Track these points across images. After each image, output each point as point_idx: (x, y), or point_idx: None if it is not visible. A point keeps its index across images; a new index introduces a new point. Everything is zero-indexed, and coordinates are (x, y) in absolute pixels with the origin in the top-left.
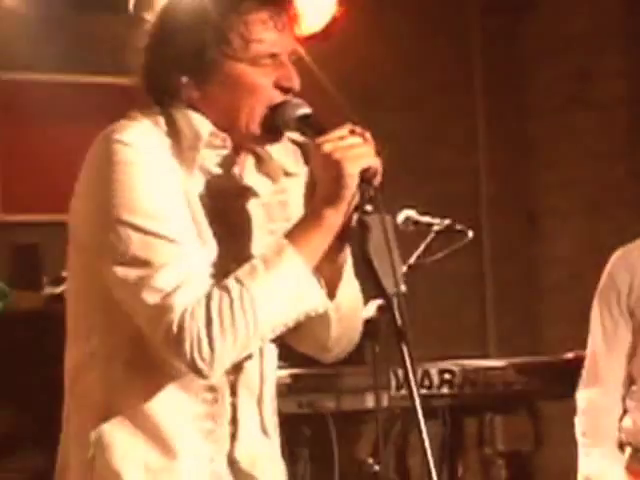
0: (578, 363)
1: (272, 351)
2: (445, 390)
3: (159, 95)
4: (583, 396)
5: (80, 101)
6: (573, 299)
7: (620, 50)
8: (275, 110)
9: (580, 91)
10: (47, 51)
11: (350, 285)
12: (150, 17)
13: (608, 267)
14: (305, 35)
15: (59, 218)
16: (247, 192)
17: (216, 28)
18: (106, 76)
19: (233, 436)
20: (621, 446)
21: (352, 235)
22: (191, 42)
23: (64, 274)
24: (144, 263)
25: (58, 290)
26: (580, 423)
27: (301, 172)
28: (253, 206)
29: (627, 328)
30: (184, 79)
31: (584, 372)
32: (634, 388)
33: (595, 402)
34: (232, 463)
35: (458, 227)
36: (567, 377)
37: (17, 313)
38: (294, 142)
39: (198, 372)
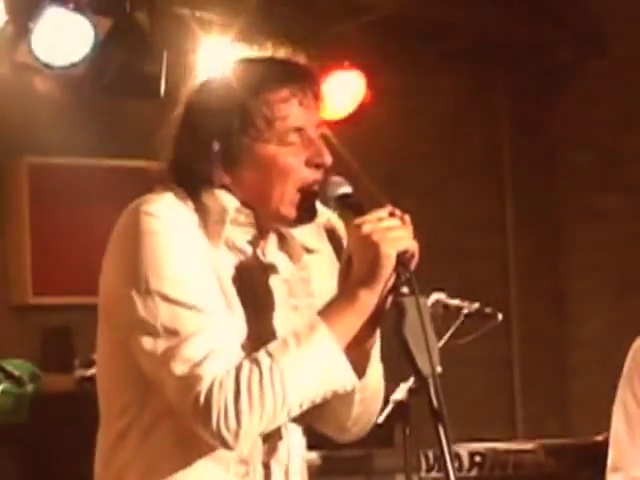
0: (607, 446)
1: (298, 427)
2: (475, 472)
3: (189, 181)
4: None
5: (110, 184)
6: (602, 381)
7: None
8: (312, 191)
9: (608, 173)
10: (78, 135)
11: (377, 367)
12: (178, 106)
13: (632, 352)
14: (334, 119)
15: (90, 301)
16: (269, 269)
17: (241, 113)
18: (138, 160)
19: None
20: None
21: (385, 317)
22: (218, 130)
23: (95, 356)
24: (172, 333)
25: (89, 372)
26: None
27: (323, 248)
28: (276, 282)
29: None
30: (214, 166)
31: (609, 460)
32: None
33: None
34: None
35: (487, 310)
36: (596, 460)
37: (49, 395)
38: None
39: (223, 443)
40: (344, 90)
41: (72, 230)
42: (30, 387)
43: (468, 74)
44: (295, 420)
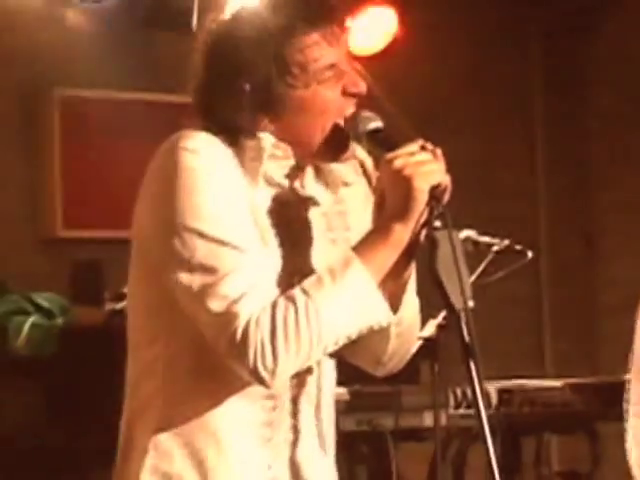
0: None
1: (329, 361)
2: (503, 409)
3: (228, 130)
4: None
5: (143, 118)
6: (631, 321)
7: None
8: (342, 124)
9: (637, 113)
10: (110, 68)
11: (412, 301)
12: (204, 49)
13: None
14: (365, 55)
15: (120, 235)
16: (308, 202)
17: (276, 62)
18: (169, 94)
19: (294, 443)
20: None
21: (419, 251)
22: (255, 80)
23: (125, 290)
24: (210, 270)
25: (119, 306)
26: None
27: (358, 181)
28: (314, 216)
29: None
30: (257, 116)
31: (631, 394)
32: None
33: None
34: (293, 471)
35: (517, 247)
36: (624, 398)
37: (78, 329)
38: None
39: (260, 380)
40: (375, 25)
41: (103, 163)
42: (60, 320)
43: (501, 11)
44: (329, 355)
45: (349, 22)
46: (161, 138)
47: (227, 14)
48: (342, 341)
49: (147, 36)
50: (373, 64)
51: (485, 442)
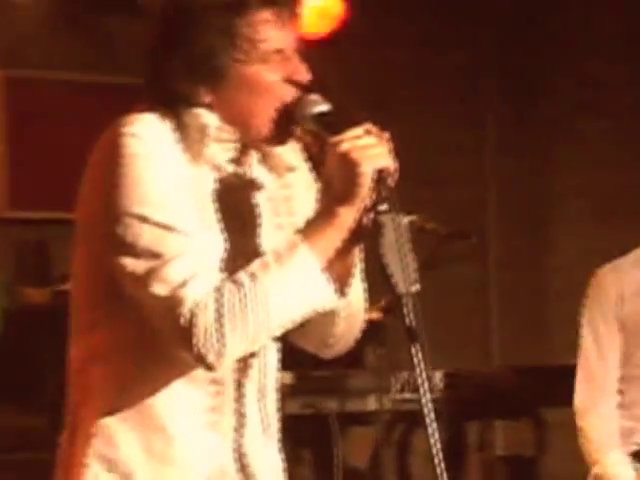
0: None
1: (273, 345)
2: (449, 394)
3: (169, 100)
4: (583, 405)
5: (90, 100)
6: (578, 306)
7: (632, 58)
8: (288, 108)
9: (590, 99)
10: (59, 50)
11: (359, 284)
12: (155, 19)
13: (595, 280)
14: (313, 37)
15: (66, 216)
16: (254, 186)
17: (223, 34)
18: (119, 76)
19: (238, 428)
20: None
21: (365, 234)
22: (200, 49)
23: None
24: (154, 255)
25: (65, 286)
26: (586, 445)
27: (301, 166)
28: (261, 200)
29: (616, 336)
30: (196, 86)
31: (579, 382)
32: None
33: (602, 412)
34: (239, 455)
35: (463, 233)
36: (571, 384)
37: (25, 309)
38: (301, 139)
39: (206, 364)
40: (324, 10)
41: (50, 144)
42: (5, 300)
43: None
44: (273, 338)
45: (300, 7)
46: (110, 120)
47: None
48: (288, 324)
49: (98, 18)
50: (322, 48)
51: (428, 426)
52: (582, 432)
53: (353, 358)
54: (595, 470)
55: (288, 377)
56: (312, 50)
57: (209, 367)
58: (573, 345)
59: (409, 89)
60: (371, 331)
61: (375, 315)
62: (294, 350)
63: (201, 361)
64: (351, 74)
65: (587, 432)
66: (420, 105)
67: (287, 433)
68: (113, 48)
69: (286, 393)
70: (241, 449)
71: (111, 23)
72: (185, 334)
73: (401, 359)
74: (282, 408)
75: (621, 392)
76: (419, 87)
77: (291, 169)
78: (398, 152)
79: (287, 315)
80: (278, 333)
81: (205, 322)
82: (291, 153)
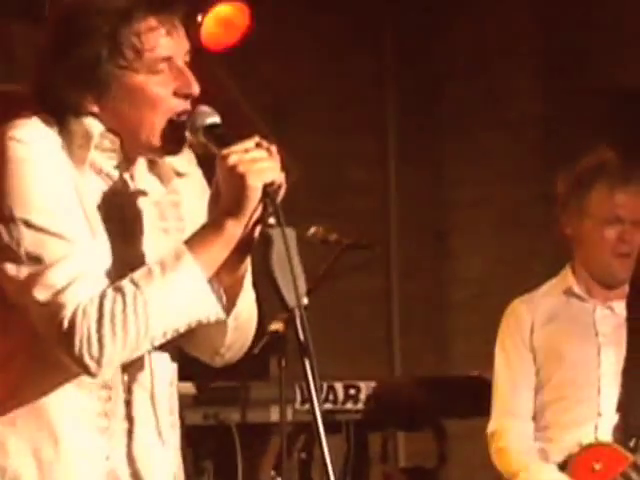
0: (483, 381)
1: (163, 350)
2: (350, 405)
3: (55, 107)
4: (500, 428)
5: None
6: (479, 317)
7: (532, 70)
8: (178, 119)
9: (491, 111)
10: None
11: (248, 295)
12: (46, 28)
13: (509, 311)
14: (217, 49)
15: None
16: (138, 192)
17: (109, 42)
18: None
19: (129, 433)
20: None
21: (254, 247)
22: (85, 58)
23: None
24: (36, 260)
25: None
26: (505, 457)
27: (193, 172)
28: (145, 205)
29: (531, 363)
30: (81, 95)
31: (494, 410)
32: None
33: (517, 433)
34: (130, 461)
35: (365, 243)
36: (471, 395)
37: None
38: (194, 148)
39: (86, 370)
40: (228, 20)
41: None
42: None
43: (355, 5)
44: (161, 346)
45: (194, 17)
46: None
47: None
48: (170, 334)
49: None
50: (225, 58)
51: (320, 440)
52: (501, 452)
53: (258, 369)
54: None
55: (190, 387)
56: (214, 59)
57: (89, 372)
58: (474, 356)
59: (310, 98)
60: (274, 342)
61: (278, 326)
62: (195, 360)
63: (81, 367)
64: (253, 83)
65: (506, 451)
66: (322, 114)
67: (189, 444)
68: (17, 57)
69: (188, 404)
70: (132, 452)
71: (14, 29)
72: (66, 339)
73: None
74: (183, 419)
75: (538, 416)
76: (320, 96)
77: (179, 174)
78: (302, 162)
79: (169, 325)
80: (161, 341)
81: (85, 328)
82: (181, 159)
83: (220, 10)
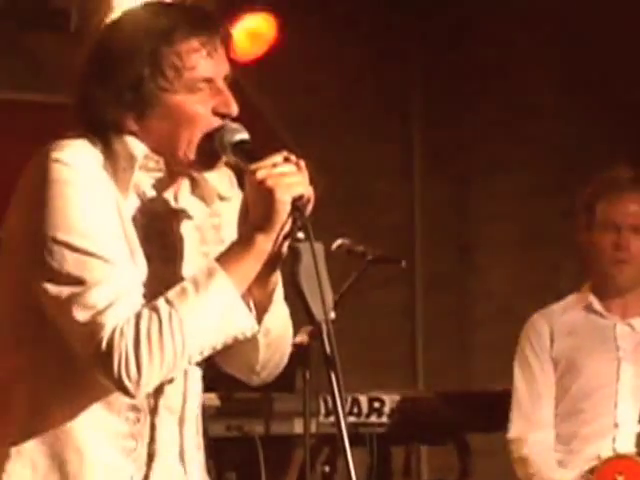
0: (506, 396)
1: (196, 372)
2: (374, 419)
3: (97, 126)
4: (518, 436)
5: (17, 119)
6: (503, 332)
7: (558, 85)
8: (212, 134)
9: (517, 126)
10: None
11: (280, 310)
12: (87, 47)
13: (529, 324)
14: (243, 61)
15: None
16: (181, 215)
17: (150, 62)
18: (50, 95)
19: (150, 456)
20: None
21: (283, 262)
22: (127, 78)
23: None
24: (77, 281)
25: None
26: (529, 468)
27: (235, 196)
28: (187, 228)
29: (551, 375)
30: (123, 114)
31: (513, 419)
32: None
33: (538, 442)
34: None
35: (391, 257)
36: (495, 410)
37: None
38: (229, 166)
39: (124, 390)
40: (254, 32)
41: None
42: None
43: (381, 17)
44: (195, 365)
45: (230, 35)
46: (37, 138)
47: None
48: (207, 351)
49: (28, 37)
50: (251, 71)
51: (345, 451)
52: (522, 462)
53: (284, 382)
54: None
55: (214, 398)
56: (239, 71)
57: (127, 393)
58: (497, 371)
59: (335, 111)
60: (299, 355)
61: (302, 339)
62: (221, 372)
63: (119, 387)
64: (279, 97)
65: (528, 461)
66: (347, 127)
67: (212, 456)
68: (43, 67)
69: (211, 415)
70: (148, 477)
71: (41, 41)
72: (104, 361)
73: (327, 383)
74: (207, 430)
75: (559, 427)
76: (346, 109)
77: (222, 198)
78: (327, 174)
79: (205, 342)
80: (197, 359)
81: (123, 349)
82: (224, 182)
83: (247, 21)
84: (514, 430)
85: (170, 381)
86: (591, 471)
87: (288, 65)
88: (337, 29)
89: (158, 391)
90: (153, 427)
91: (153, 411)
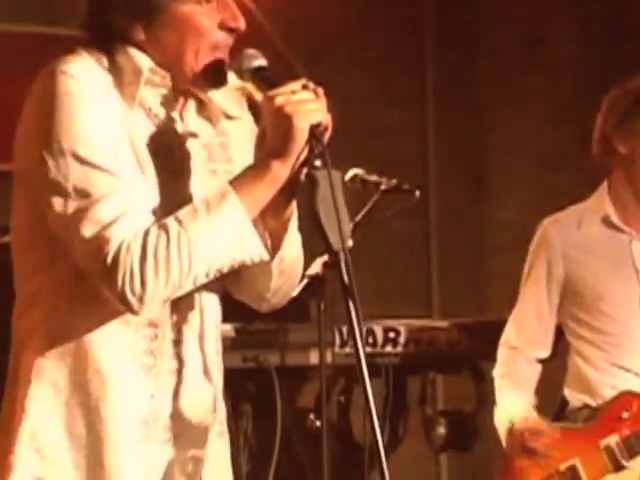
0: None
1: (212, 292)
2: (389, 349)
3: (103, 37)
4: (499, 361)
5: (22, 50)
6: (518, 261)
7: (569, 15)
8: (223, 59)
9: (529, 55)
10: None
11: (293, 239)
12: None
13: (538, 234)
14: None
15: (3, 168)
16: (188, 131)
17: None
18: (45, 26)
19: (178, 373)
20: (563, 404)
21: (299, 190)
22: None
23: (10, 223)
24: (83, 194)
25: (4, 240)
26: (496, 382)
27: (244, 116)
28: (194, 146)
29: (553, 297)
30: (131, 22)
31: (511, 327)
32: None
33: (511, 363)
34: (175, 401)
35: (405, 187)
36: None
37: None
38: (241, 91)
39: (128, 306)
40: None
41: None
42: None
43: None
44: (210, 288)
45: None
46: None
47: None
48: (213, 273)
49: None
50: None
51: (363, 382)
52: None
53: (298, 312)
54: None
55: (229, 330)
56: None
57: (131, 309)
58: (512, 300)
59: (347, 40)
60: (313, 285)
61: (317, 269)
62: (234, 302)
63: (123, 303)
64: (290, 27)
65: (496, 380)
66: (359, 57)
67: (228, 387)
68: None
69: (227, 346)
70: (178, 394)
71: None
72: (109, 275)
73: (342, 313)
74: (223, 361)
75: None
76: (358, 39)
77: (229, 117)
78: (340, 104)
79: (212, 264)
80: (203, 281)
81: (128, 264)
82: (232, 102)
83: None
84: (506, 335)
85: (187, 298)
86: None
87: None
88: None
89: (175, 308)
90: (175, 343)
91: (176, 328)
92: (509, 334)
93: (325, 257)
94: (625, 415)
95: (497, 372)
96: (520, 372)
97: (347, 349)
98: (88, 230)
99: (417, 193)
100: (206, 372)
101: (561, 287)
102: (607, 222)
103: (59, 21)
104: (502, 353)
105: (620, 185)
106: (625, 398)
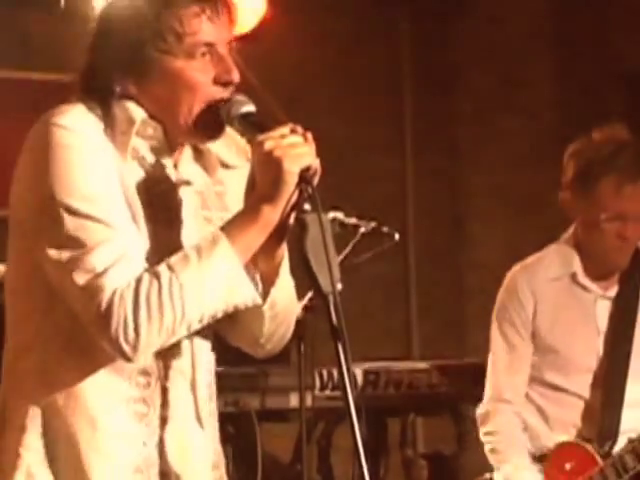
0: None
1: (205, 338)
2: (369, 391)
3: (97, 92)
4: (493, 416)
5: (14, 97)
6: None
7: (548, 55)
8: (216, 106)
9: (508, 96)
10: None
11: (286, 283)
12: (88, 17)
13: (509, 283)
14: (235, 35)
15: (1, 213)
16: (180, 181)
17: (151, 26)
18: (39, 72)
19: (163, 420)
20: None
21: (290, 233)
22: (128, 41)
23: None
24: (77, 244)
25: None
26: (493, 441)
27: (242, 165)
28: (188, 193)
29: (530, 348)
30: (124, 78)
31: (489, 389)
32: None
33: (507, 418)
34: (161, 448)
35: (384, 229)
36: None
37: None
38: (242, 134)
39: (122, 353)
40: (245, 6)
41: None
42: None
43: None
44: (202, 334)
45: (233, 2)
46: (32, 116)
47: None
48: (207, 319)
49: (17, 15)
50: (242, 44)
51: (352, 424)
52: (490, 436)
53: (279, 355)
54: (500, 475)
55: None
56: (231, 44)
57: (125, 357)
58: (490, 341)
59: (326, 85)
60: (294, 328)
61: (298, 313)
62: (216, 348)
63: (117, 351)
64: (271, 71)
65: (495, 435)
66: (338, 101)
67: None
68: (33, 45)
69: None
70: (162, 441)
71: (30, 20)
72: (102, 323)
73: (323, 356)
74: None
75: (535, 396)
76: (336, 83)
77: (226, 165)
78: (319, 149)
79: (205, 310)
80: (197, 327)
81: (122, 312)
82: (231, 150)
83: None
84: (485, 405)
85: (179, 345)
86: (542, 457)
87: (274, 40)
88: (327, 6)
89: (166, 355)
90: (164, 391)
91: (164, 375)
92: (501, 386)
93: (305, 300)
94: (567, 466)
95: (492, 430)
96: (517, 433)
97: (327, 392)
98: (81, 278)
99: (396, 236)
100: (198, 418)
101: (532, 341)
102: (574, 280)
103: (57, 67)
104: (493, 408)
105: (585, 241)
106: (570, 448)
